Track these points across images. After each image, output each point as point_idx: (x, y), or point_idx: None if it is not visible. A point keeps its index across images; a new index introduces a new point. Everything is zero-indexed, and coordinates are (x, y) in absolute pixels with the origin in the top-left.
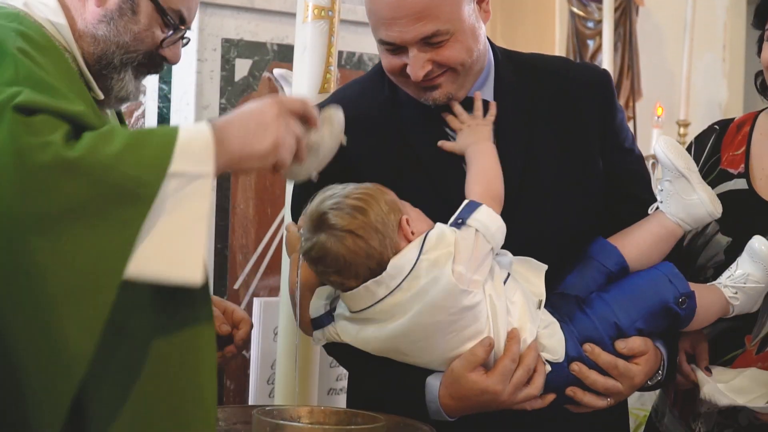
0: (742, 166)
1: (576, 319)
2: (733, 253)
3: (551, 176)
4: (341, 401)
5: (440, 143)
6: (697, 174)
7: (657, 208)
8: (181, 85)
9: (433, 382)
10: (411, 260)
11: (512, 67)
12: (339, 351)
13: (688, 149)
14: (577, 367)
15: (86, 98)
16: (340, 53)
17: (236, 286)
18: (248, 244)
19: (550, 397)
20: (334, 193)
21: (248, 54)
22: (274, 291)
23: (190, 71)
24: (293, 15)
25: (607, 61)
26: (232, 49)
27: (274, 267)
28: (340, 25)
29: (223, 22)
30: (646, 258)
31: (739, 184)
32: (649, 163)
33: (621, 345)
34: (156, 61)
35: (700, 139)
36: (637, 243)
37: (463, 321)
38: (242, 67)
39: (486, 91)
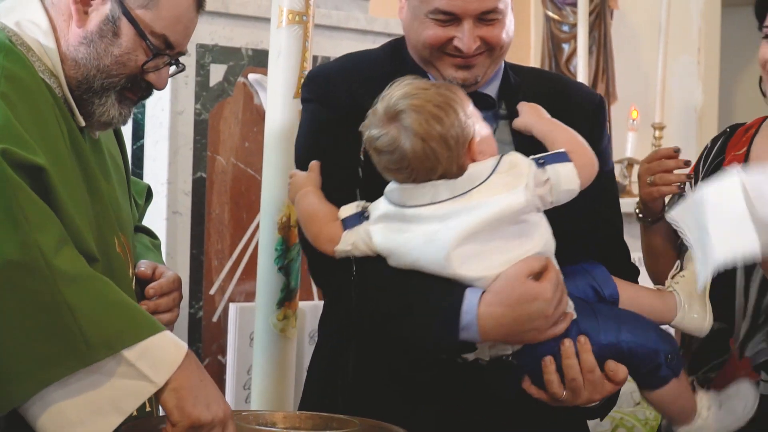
0: (741, 165)
1: (581, 312)
2: None
3: None
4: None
5: (514, 123)
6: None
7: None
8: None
9: (472, 293)
10: (485, 173)
11: (514, 73)
12: (348, 274)
13: (703, 150)
14: (583, 339)
15: (64, 132)
16: (315, 58)
17: (212, 292)
18: (224, 249)
19: (568, 321)
20: (417, 93)
21: (223, 59)
22: (250, 296)
23: None
24: (268, 20)
25: (581, 64)
26: (206, 54)
27: (250, 272)
28: (314, 30)
29: (197, 27)
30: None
31: None
32: (623, 164)
33: (612, 366)
34: (141, 85)
35: (714, 141)
36: (635, 298)
37: (521, 238)
38: (217, 73)
39: (491, 90)
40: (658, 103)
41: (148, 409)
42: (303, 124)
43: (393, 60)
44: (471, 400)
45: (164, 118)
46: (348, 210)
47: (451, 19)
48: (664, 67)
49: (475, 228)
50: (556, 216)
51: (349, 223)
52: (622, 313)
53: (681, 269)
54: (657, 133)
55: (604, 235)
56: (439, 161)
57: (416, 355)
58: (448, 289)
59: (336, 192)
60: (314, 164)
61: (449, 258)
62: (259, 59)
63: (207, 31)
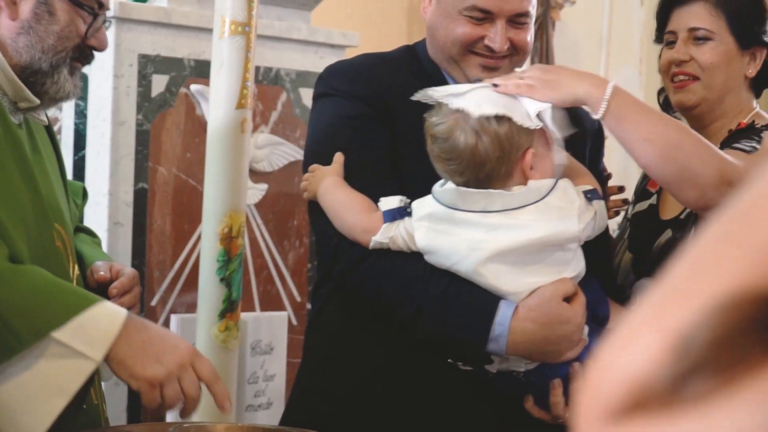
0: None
1: (591, 336)
2: (637, 270)
3: None
4: (259, 418)
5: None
6: None
7: None
8: (98, 101)
9: (507, 306)
10: (542, 192)
11: None
12: (378, 265)
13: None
14: (578, 366)
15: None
16: (257, 69)
17: (153, 303)
18: (165, 260)
19: (582, 345)
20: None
21: (165, 70)
22: (191, 307)
23: (107, 87)
24: (210, 31)
25: None
26: (148, 64)
27: (192, 283)
28: (257, 41)
29: (139, 37)
30: None
31: (651, 201)
32: None
33: None
34: (85, 53)
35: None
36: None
37: (558, 262)
38: (159, 83)
39: None
40: None
41: (95, 402)
42: (323, 116)
43: (410, 63)
44: (468, 407)
45: (106, 128)
46: (390, 203)
47: (485, 17)
48: (605, 77)
49: (519, 246)
50: None
51: (389, 216)
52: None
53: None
54: None
55: (597, 254)
56: (489, 159)
57: (434, 356)
58: (484, 299)
59: (366, 183)
60: (339, 156)
61: (486, 267)
62: (201, 70)
63: (149, 42)
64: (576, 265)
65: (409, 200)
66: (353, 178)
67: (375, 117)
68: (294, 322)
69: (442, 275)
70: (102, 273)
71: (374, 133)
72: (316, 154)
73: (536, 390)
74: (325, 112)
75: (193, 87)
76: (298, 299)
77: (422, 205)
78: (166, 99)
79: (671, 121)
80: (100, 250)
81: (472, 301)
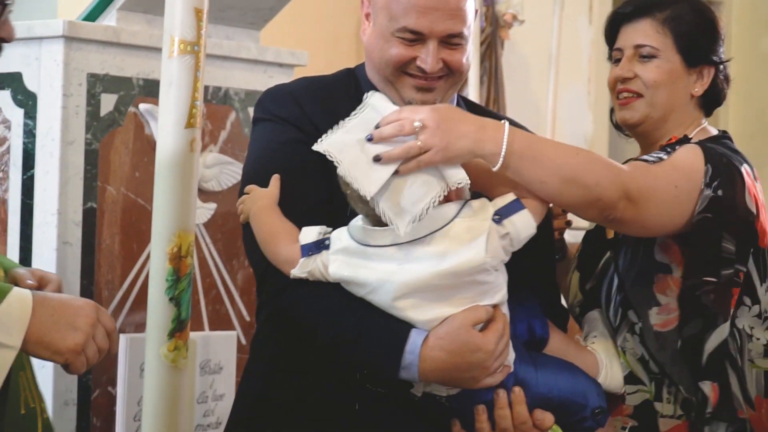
0: None
1: (521, 361)
2: (582, 289)
3: None
4: None
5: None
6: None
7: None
8: (47, 120)
9: (417, 334)
10: (448, 216)
11: (468, 108)
12: (299, 293)
13: None
14: (518, 390)
15: None
16: (206, 88)
17: None
18: (114, 280)
19: (505, 373)
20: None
21: (114, 89)
22: (140, 327)
23: (56, 106)
24: (159, 50)
25: (473, 94)
26: (97, 83)
27: (141, 303)
28: (206, 60)
29: (88, 56)
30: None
31: None
32: None
33: (539, 414)
34: None
35: None
36: (565, 350)
37: (473, 291)
38: (108, 102)
39: None
40: (549, 132)
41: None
42: (259, 141)
43: (350, 86)
44: (400, 429)
45: (54, 148)
46: (308, 236)
47: (417, 38)
48: (554, 96)
49: (428, 278)
50: None
51: (307, 250)
52: (558, 363)
53: (589, 331)
54: None
55: (537, 276)
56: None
57: (358, 381)
58: (395, 327)
59: (296, 210)
60: (275, 179)
61: (399, 300)
62: (150, 89)
63: (98, 61)
64: (494, 293)
65: (330, 229)
66: (285, 203)
67: (308, 142)
68: (243, 341)
69: (358, 304)
70: (29, 282)
71: (306, 158)
72: (250, 179)
73: (461, 415)
74: (260, 137)
75: (142, 106)
76: (247, 319)
77: (339, 238)
78: (115, 118)
79: (566, 152)
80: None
81: (385, 329)
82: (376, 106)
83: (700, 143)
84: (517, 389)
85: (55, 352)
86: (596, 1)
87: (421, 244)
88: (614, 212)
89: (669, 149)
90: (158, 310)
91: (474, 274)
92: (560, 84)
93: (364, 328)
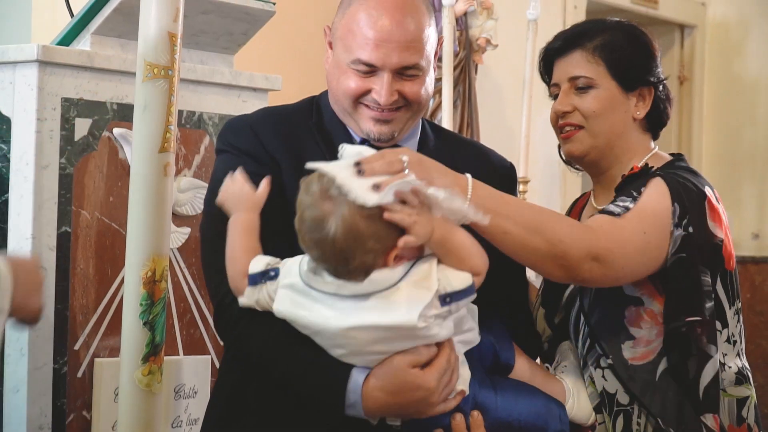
0: None
1: (481, 385)
2: (550, 323)
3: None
4: None
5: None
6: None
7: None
8: (21, 144)
9: (359, 373)
10: (391, 280)
11: (435, 135)
12: (251, 326)
13: None
14: (476, 414)
15: None
16: (180, 112)
17: (76, 347)
18: (88, 304)
19: (460, 397)
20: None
21: (88, 113)
22: (114, 351)
23: (30, 131)
24: (133, 74)
25: (446, 118)
26: (71, 108)
27: (115, 327)
28: (179, 84)
29: (62, 81)
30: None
31: None
32: None
33: None
34: None
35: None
36: (531, 378)
37: (412, 341)
38: (82, 127)
39: (411, 147)
40: (523, 157)
41: None
42: (216, 173)
43: (311, 114)
44: None
45: (29, 172)
46: (256, 266)
47: (372, 70)
48: (528, 121)
49: (363, 332)
50: None
51: (253, 279)
52: (519, 387)
53: (560, 360)
54: (521, 187)
55: (510, 302)
56: (355, 257)
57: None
58: (337, 367)
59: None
60: (267, 181)
61: (334, 348)
62: (124, 113)
63: (72, 85)
64: (437, 337)
65: (278, 260)
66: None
67: (262, 174)
68: (218, 365)
69: (304, 341)
70: None
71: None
72: (207, 211)
73: None
74: (218, 169)
75: (116, 131)
76: (222, 343)
77: (290, 272)
78: (89, 142)
79: (531, 206)
80: None
81: (328, 369)
82: (352, 153)
83: (663, 176)
84: (476, 413)
85: (32, 316)
86: (570, 25)
87: (362, 300)
88: (581, 273)
89: (635, 193)
90: (132, 334)
91: (410, 331)
92: (534, 108)
93: (310, 367)
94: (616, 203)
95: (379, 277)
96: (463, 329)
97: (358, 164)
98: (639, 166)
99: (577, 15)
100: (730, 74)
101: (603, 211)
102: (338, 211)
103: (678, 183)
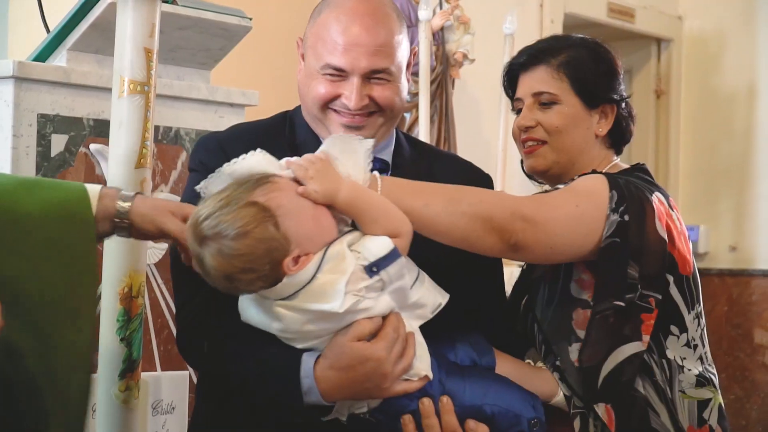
0: None
1: (449, 372)
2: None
3: (435, 244)
4: None
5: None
6: None
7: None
8: None
9: (309, 357)
10: (306, 277)
11: (411, 146)
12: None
13: None
14: (446, 399)
15: None
16: (157, 128)
17: None
18: None
19: (423, 381)
20: (218, 221)
21: (64, 129)
22: (92, 368)
23: (6, 147)
24: (109, 90)
25: (423, 133)
26: (48, 124)
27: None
28: (156, 100)
29: (38, 97)
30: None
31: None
32: None
33: (472, 425)
34: None
35: None
36: (517, 376)
37: (351, 318)
38: (58, 143)
39: (386, 155)
40: (500, 171)
41: None
42: (186, 192)
43: (284, 128)
44: None
45: None
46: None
47: (342, 75)
48: (505, 135)
49: (301, 327)
50: (458, 265)
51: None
52: (491, 376)
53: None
54: None
55: (490, 308)
56: (244, 286)
57: (280, 418)
58: (286, 356)
59: None
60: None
61: (285, 336)
62: (101, 129)
63: (48, 101)
64: (379, 309)
65: None
66: None
67: None
68: (195, 381)
69: (252, 348)
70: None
71: None
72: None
73: (389, 427)
74: (187, 188)
75: (93, 146)
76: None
77: None
78: (65, 158)
79: (445, 185)
80: None
81: (279, 357)
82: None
83: (603, 173)
84: (445, 398)
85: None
86: None
87: (290, 300)
88: (513, 235)
89: (571, 181)
90: (109, 350)
91: (344, 316)
92: (510, 123)
93: (262, 366)
94: (552, 189)
95: (293, 280)
96: (409, 303)
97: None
98: (589, 170)
99: (554, 29)
100: (707, 88)
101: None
102: (208, 257)
103: (617, 179)
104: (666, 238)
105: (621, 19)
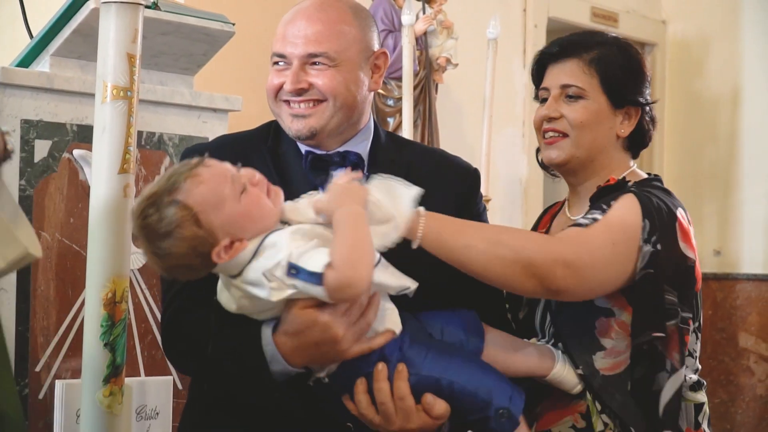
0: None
1: (415, 341)
2: (515, 318)
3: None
4: None
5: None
6: None
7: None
8: None
9: (267, 326)
10: (243, 261)
11: (392, 142)
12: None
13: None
14: (401, 366)
15: None
16: (140, 133)
17: (38, 369)
18: (49, 326)
19: (385, 337)
20: (139, 211)
21: (48, 135)
22: (76, 373)
23: None
24: (92, 95)
25: (406, 137)
26: (31, 129)
27: (76, 349)
28: (139, 105)
29: (22, 102)
30: (500, 365)
31: None
32: None
33: (429, 399)
34: None
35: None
36: (510, 346)
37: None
38: (42, 148)
39: (361, 149)
40: (484, 175)
41: None
42: None
43: (268, 138)
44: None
45: None
46: None
47: (285, 63)
48: (488, 140)
49: (251, 299)
50: (436, 282)
51: None
52: (463, 354)
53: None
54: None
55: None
56: (183, 275)
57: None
58: (249, 330)
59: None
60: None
61: (244, 312)
62: (84, 135)
63: (31, 107)
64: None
65: None
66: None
67: None
68: (179, 386)
69: (219, 330)
70: None
71: None
72: None
73: (346, 392)
74: None
75: (76, 152)
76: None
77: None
78: (49, 164)
79: (490, 225)
80: None
81: (241, 332)
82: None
83: (636, 192)
84: (401, 366)
85: None
86: (530, 44)
87: (235, 279)
88: (554, 281)
89: (605, 206)
90: (93, 355)
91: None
92: (494, 127)
93: (229, 345)
94: (585, 216)
95: (233, 262)
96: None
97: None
98: (616, 178)
99: (537, 34)
100: (691, 92)
101: (573, 224)
102: (143, 249)
103: (650, 201)
104: (694, 257)
105: (604, 23)
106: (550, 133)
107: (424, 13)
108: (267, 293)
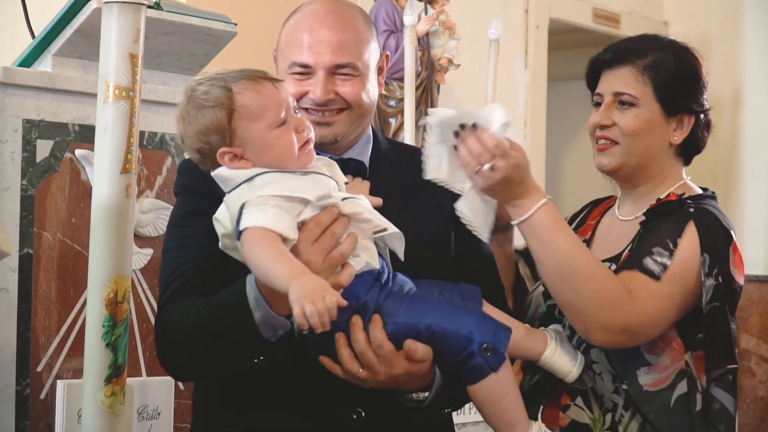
0: (589, 234)
1: (393, 293)
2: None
3: (414, 237)
4: None
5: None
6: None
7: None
8: None
9: (251, 275)
10: (235, 181)
11: (391, 146)
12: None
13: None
14: (376, 316)
15: None
16: (142, 133)
17: (39, 369)
18: (51, 326)
19: (361, 267)
20: (189, 91)
21: (50, 135)
22: (77, 373)
23: None
24: (94, 95)
25: (408, 138)
26: (33, 129)
27: (78, 349)
28: (141, 105)
29: (23, 102)
30: None
31: None
32: None
33: (410, 344)
34: None
35: (575, 215)
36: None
37: None
38: (44, 148)
39: (363, 156)
40: None
41: None
42: (172, 218)
43: None
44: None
45: None
46: None
47: (308, 72)
48: None
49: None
50: (438, 267)
51: None
52: (441, 300)
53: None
54: None
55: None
56: (196, 155)
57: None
58: (234, 286)
59: (207, 275)
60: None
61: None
62: (86, 135)
63: (33, 107)
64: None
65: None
66: (196, 268)
67: (207, 211)
68: (181, 386)
69: (203, 309)
70: None
71: (197, 229)
72: (167, 248)
73: (326, 347)
74: (172, 214)
75: (78, 152)
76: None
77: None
78: (50, 164)
79: (573, 253)
80: None
81: (225, 294)
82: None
83: (695, 218)
84: (376, 316)
85: None
86: (532, 45)
87: (230, 194)
88: (607, 342)
89: (671, 246)
90: (95, 355)
91: None
92: None
93: (213, 305)
94: (654, 258)
95: (232, 174)
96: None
97: (457, 134)
98: (676, 194)
99: (539, 34)
100: None
101: (642, 268)
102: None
103: (708, 229)
104: (741, 282)
105: (606, 24)
106: (602, 141)
107: (426, 13)
108: (217, 223)
